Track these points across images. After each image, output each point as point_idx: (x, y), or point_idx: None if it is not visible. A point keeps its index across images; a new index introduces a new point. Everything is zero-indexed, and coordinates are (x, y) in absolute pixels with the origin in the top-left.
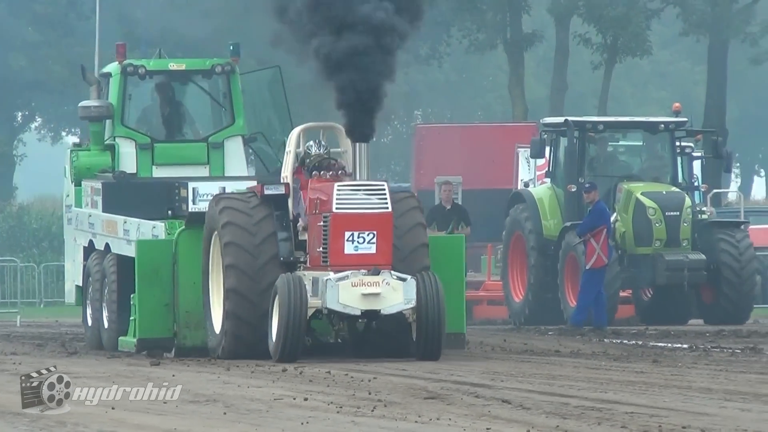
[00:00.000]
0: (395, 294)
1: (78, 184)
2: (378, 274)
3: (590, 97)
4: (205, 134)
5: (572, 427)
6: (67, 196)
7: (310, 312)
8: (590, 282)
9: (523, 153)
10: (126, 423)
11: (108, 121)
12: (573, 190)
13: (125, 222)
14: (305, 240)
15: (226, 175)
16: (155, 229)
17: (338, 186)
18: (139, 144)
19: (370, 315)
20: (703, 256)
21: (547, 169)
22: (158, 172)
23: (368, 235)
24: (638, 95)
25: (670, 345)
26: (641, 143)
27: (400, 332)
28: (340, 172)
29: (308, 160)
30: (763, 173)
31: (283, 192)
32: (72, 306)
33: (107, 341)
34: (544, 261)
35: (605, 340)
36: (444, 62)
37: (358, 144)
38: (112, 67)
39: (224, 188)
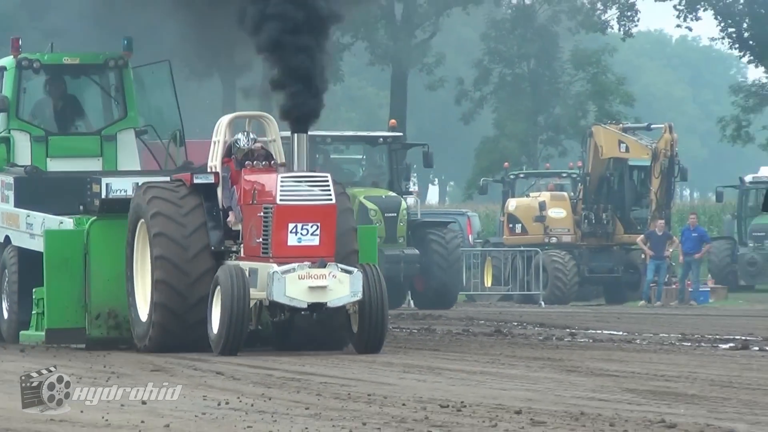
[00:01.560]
0: (342, 287)
1: None
2: (324, 267)
3: None
4: (99, 127)
5: (275, 395)
6: None
7: (251, 303)
8: None
9: None
10: None
11: (2, 114)
12: None
13: (28, 216)
14: (235, 230)
15: (118, 167)
16: (62, 224)
17: (282, 177)
18: (33, 136)
19: (317, 308)
20: (417, 251)
21: None
22: (53, 165)
23: (312, 226)
24: (331, 116)
25: None
26: (362, 155)
27: (330, 323)
28: (272, 162)
29: (236, 149)
30: (436, 182)
31: (213, 181)
32: None
33: (6, 333)
34: None
35: None
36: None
37: (298, 134)
38: (7, 61)
39: (137, 183)
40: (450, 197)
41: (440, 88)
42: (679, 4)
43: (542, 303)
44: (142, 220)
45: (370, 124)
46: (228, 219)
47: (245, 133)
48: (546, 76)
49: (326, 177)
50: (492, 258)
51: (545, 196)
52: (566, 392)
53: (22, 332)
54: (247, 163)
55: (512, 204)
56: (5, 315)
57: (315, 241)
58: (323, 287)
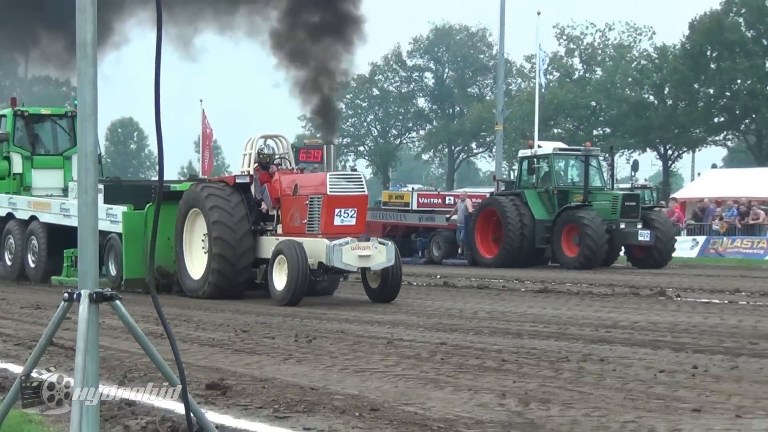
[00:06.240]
0: (381, 255)
1: None
2: (368, 240)
3: None
4: (62, 151)
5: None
6: None
7: None
8: None
9: None
10: None
11: (4, 143)
12: None
13: (62, 203)
14: (270, 214)
15: (74, 177)
16: (111, 210)
17: (330, 175)
18: (23, 156)
19: (363, 270)
20: None
21: None
22: (36, 174)
23: (351, 211)
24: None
25: None
26: None
27: (329, 279)
28: (294, 168)
29: (259, 158)
30: None
31: (248, 181)
32: None
33: (34, 277)
34: None
35: None
36: None
37: (327, 146)
38: (7, 111)
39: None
40: None
41: None
42: None
43: None
44: (195, 208)
45: None
46: (261, 207)
47: (266, 145)
48: None
49: (360, 175)
50: None
51: None
52: None
53: (54, 277)
54: (279, 167)
55: None
56: (32, 265)
57: (353, 221)
58: (369, 255)
